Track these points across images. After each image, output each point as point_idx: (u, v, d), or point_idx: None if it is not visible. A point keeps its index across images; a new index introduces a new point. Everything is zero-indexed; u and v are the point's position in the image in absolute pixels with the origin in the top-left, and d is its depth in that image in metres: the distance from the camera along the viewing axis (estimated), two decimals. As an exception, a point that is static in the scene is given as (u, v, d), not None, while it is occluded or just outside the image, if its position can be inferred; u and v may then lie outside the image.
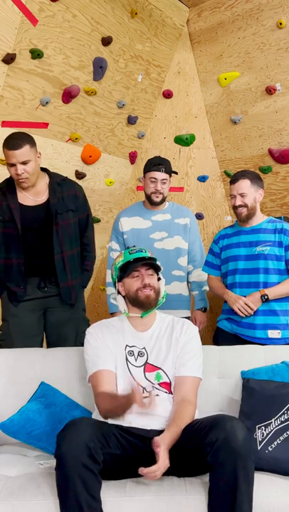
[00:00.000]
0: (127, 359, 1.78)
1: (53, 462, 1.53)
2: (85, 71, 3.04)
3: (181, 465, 1.53)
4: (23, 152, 2.15)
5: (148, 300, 1.79)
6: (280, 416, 1.74)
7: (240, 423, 1.48)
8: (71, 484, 1.36)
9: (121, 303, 1.87)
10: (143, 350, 1.80)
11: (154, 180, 2.59)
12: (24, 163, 2.16)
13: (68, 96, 2.99)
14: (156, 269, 1.87)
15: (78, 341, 2.37)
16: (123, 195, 3.85)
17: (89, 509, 1.36)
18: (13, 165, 2.16)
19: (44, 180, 2.34)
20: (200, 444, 1.45)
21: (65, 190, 2.37)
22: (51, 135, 3.05)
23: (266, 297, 2.26)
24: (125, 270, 1.83)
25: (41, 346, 2.43)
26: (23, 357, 2.09)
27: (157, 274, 1.89)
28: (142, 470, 1.42)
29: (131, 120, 3.53)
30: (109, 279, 2.70)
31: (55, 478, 1.42)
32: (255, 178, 2.39)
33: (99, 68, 3.09)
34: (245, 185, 2.34)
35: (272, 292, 2.28)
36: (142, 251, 1.84)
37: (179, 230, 2.68)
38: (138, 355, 1.79)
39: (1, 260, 2.30)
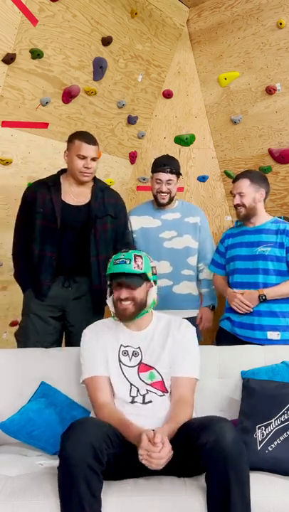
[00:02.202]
0: (120, 359, 1.78)
1: (53, 462, 1.53)
2: (85, 71, 3.04)
3: (180, 465, 1.53)
4: (96, 149, 2.34)
5: (124, 313, 1.78)
6: (280, 416, 1.74)
7: (230, 424, 1.48)
8: (75, 485, 1.35)
9: (110, 305, 1.87)
10: (138, 350, 1.80)
11: (159, 181, 2.59)
12: (94, 159, 2.32)
13: (68, 96, 2.99)
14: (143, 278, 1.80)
15: None
16: (123, 195, 3.82)
17: (91, 510, 1.36)
18: (84, 158, 2.28)
19: (90, 184, 2.42)
20: (192, 446, 1.45)
21: (106, 196, 2.45)
22: (51, 135, 3.05)
23: (264, 297, 2.26)
24: (111, 278, 1.81)
25: (58, 346, 2.44)
26: (23, 357, 2.09)
27: (148, 281, 1.83)
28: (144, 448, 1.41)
29: (131, 120, 3.53)
30: None
31: (58, 477, 1.41)
32: (257, 178, 2.37)
33: (99, 68, 3.09)
34: (243, 184, 2.34)
35: (271, 292, 2.28)
36: (125, 262, 1.76)
37: (188, 229, 2.67)
38: (132, 355, 1.79)
39: (35, 251, 2.34)
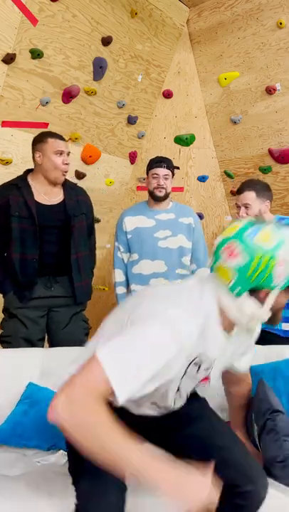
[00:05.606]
0: (186, 371, 1.28)
1: (50, 458, 1.53)
2: (85, 71, 3.04)
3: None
4: (68, 145, 2.34)
5: None
6: (277, 416, 1.73)
7: (267, 480, 1.41)
8: None
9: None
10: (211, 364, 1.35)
11: (156, 176, 2.64)
12: (68, 154, 2.34)
13: (68, 96, 2.99)
14: None
15: (81, 340, 2.38)
16: (123, 195, 3.85)
17: None
18: (61, 153, 2.30)
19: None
20: (223, 473, 1.20)
21: (79, 194, 2.47)
22: (51, 135, 3.05)
23: None
24: None
25: (43, 346, 2.43)
26: (23, 357, 2.09)
27: None
28: None
29: (131, 120, 3.54)
30: (117, 279, 2.72)
31: None
32: (262, 190, 2.36)
33: (99, 68, 3.09)
34: (250, 196, 2.32)
35: None
36: None
37: (182, 229, 2.69)
38: (204, 369, 1.32)
39: (16, 255, 2.30)
